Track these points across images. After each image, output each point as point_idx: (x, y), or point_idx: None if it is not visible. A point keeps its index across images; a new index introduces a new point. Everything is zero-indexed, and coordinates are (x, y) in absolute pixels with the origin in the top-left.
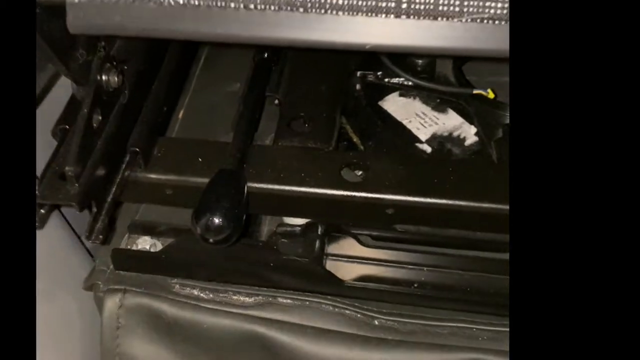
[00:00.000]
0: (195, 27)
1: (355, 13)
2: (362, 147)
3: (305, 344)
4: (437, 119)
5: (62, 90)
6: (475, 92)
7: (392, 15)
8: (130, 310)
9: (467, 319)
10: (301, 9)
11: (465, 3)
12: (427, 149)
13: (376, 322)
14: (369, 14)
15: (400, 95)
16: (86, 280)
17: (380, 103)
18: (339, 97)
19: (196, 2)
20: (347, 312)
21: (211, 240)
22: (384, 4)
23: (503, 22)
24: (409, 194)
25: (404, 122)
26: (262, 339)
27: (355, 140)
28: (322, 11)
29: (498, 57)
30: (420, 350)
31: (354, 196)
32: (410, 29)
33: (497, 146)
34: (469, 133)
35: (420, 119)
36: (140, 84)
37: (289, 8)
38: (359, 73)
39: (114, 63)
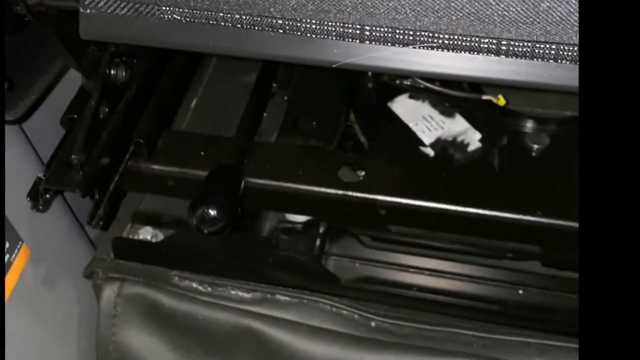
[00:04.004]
0: (189, 40)
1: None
2: (367, 147)
3: (299, 341)
4: (444, 123)
5: (73, 79)
6: (485, 97)
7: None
8: (127, 299)
9: (463, 324)
10: (280, 30)
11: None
12: (430, 152)
13: (373, 324)
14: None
15: (410, 97)
16: (86, 268)
17: (389, 104)
18: (348, 97)
19: (192, 19)
20: (345, 312)
21: (206, 231)
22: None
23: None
24: (401, 196)
25: (411, 124)
26: (257, 334)
27: (362, 139)
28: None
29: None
30: (413, 353)
31: (348, 195)
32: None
33: (500, 153)
34: (473, 139)
35: (427, 122)
36: (148, 78)
37: (270, 29)
38: (371, 72)
39: (123, 58)
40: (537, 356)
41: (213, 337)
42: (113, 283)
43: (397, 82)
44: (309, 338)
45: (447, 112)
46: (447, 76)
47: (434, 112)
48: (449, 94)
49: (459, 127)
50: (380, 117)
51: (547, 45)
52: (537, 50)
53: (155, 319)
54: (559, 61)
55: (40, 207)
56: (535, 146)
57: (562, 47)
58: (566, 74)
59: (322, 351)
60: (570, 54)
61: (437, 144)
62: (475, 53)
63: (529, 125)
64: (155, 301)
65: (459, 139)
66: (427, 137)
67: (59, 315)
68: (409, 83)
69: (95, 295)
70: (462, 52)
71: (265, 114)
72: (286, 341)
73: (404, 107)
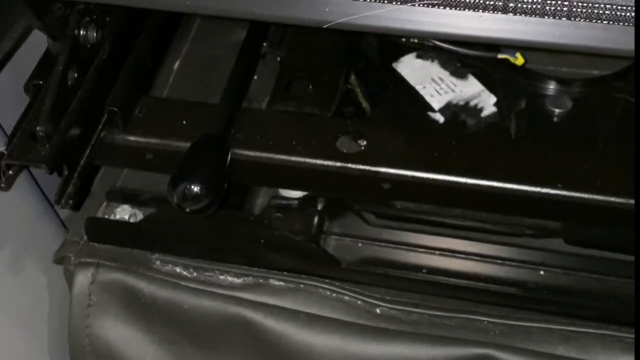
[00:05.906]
0: None
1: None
2: (369, 113)
3: (295, 330)
4: (455, 85)
5: (38, 41)
6: (500, 56)
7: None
8: (103, 286)
9: (479, 310)
10: None
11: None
12: (440, 118)
13: (378, 311)
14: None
15: (418, 57)
16: (57, 252)
17: (394, 65)
18: (348, 57)
19: None
20: (346, 297)
21: (188, 209)
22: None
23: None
24: (407, 168)
25: (418, 87)
26: (248, 323)
27: (363, 105)
28: None
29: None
30: (422, 342)
31: (347, 168)
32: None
33: (518, 119)
34: (488, 103)
35: (436, 85)
36: (123, 38)
37: None
38: None
39: (94, 16)
40: (561, 344)
41: (199, 327)
42: (87, 269)
43: (403, 40)
44: (307, 327)
45: (459, 73)
46: (451, 36)
47: (444, 74)
48: (460, 52)
49: (471, 90)
50: (384, 80)
51: (559, 2)
52: (548, 7)
53: (135, 308)
54: (572, 19)
55: (3, 185)
56: (557, 110)
57: (575, 3)
58: (580, 33)
59: (321, 341)
60: (584, 11)
61: (448, 109)
62: (481, 10)
63: (550, 86)
64: (134, 288)
65: (472, 103)
66: (437, 102)
67: (26, 306)
68: (416, 41)
69: (67, 283)
70: (466, 10)
71: (255, 77)
72: (281, 331)
73: (411, 68)
